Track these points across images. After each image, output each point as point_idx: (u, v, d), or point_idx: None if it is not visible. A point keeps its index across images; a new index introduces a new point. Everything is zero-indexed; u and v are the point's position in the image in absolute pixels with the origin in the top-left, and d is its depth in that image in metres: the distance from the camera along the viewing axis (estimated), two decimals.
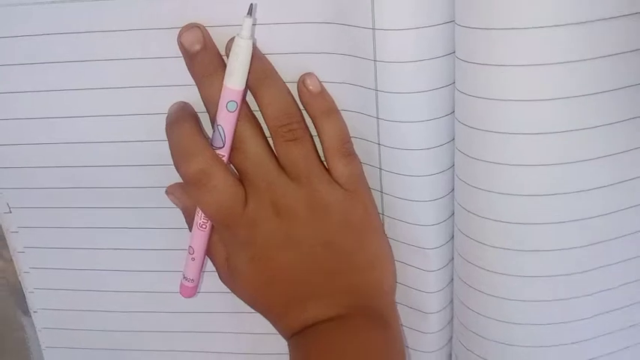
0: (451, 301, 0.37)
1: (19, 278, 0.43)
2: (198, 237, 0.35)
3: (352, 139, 0.34)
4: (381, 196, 0.35)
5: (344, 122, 0.34)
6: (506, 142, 0.29)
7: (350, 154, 0.34)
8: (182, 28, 0.32)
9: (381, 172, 0.34)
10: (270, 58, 0.33)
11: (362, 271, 0.35)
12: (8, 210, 0.40)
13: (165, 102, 0.35)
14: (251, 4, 0.30)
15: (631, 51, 0.27)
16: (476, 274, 0.33)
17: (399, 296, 0.38)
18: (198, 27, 0.32)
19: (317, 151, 0.34)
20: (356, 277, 0.35)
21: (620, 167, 0.30)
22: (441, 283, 0.36)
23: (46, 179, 0.38)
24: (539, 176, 0.29)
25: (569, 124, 0.28)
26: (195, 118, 0.34)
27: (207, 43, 0.32)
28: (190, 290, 0.37)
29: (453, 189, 0.34)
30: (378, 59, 0.30)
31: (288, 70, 0.33)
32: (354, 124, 0.34)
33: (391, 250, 0.36)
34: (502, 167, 0.30)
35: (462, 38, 0.29)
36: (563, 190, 0.30)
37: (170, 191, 0.36)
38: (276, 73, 0.33)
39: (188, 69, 0.33)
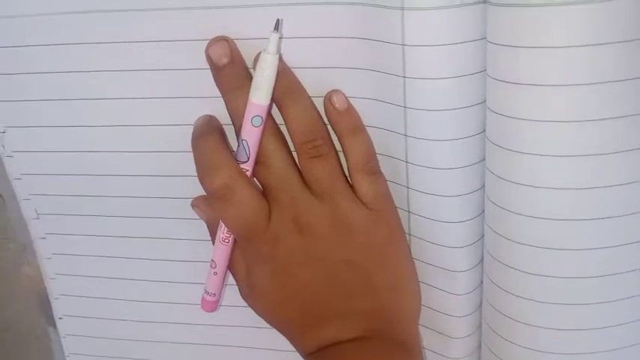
0: (479, 327, 0.36)
1: (45, 284, 0.43)
2: (221, 251, 0.35)
3: (379, 156, 0.33)
4: (408, 215, 0.34)
5: (370, 140, 0.33)
6: (537, 163, 0.28)
7: (375, 173, 0.33)
8: (210, 40, 0.32)
9: (408, 191, 0.33)
10: (297, 72, 0.32)
11: (383, 294, 0.34)
12: (36, 216, 0.41)
13: (192, 113, 0.35)
14: (277, 19, 0.30)
15: None
16: (505, 299, 0.32)
17: (424, 319, 0.37)
18: (226, 40, 0.32)
19: (342, 169, 0.33)
20: (377, 300, 0.34)
21: None
22: (468, 308, 0.35)
23: (74, 187, 0.39)
24: (570, 200, 0.28)
25: (601, 146, 0.27)
26: (220, 131, 0.34)
27: (235, 56, 0.32)
28: (212, 305, 0.37)
29: (483, 211, 0.33)
30: (407, 75, 0.30)
31: (315, 85, 0.33)
32: (382, 142, 0.33)
33: (416, 275, 0.35)
34: (532, 190, 0.29)
35: (492, 56, 0.28)
36: (595, 216, 0.29)
37: (195, 204, 0.36)
38: (303, 88, 0.32)
39: (215, 82, 0.33)
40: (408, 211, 0.34)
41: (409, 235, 0.35)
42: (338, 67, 0.32)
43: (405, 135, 0.31)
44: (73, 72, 0.35)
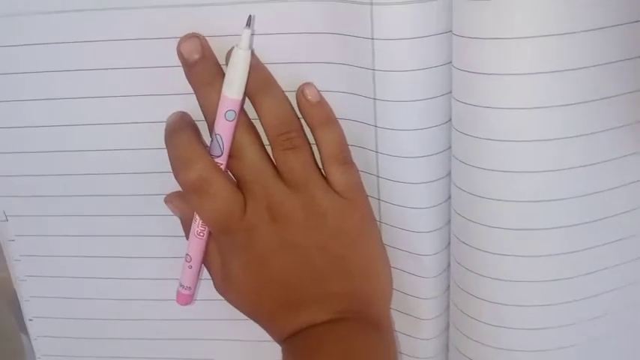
0: (447, 308, 0.38)
1: (15, 286, 0.42)
2: (196, 245, 0.35)
3: (351, 147, 0.34)
4: (379, 203, 0.35)
5: (342, 131, 0.34)
6: (503, 149, 0.29)
7: (347, 163, 0.34)
8: (181, 37, 0.32)
9: (378, 180, 0.34)
10: (269, 67, 0.33)
11: (356, 278, 0.35)
12: (5, 218, 0.40)
13: (164, 110, 0.35)
14: (250, 15, 0.31)
15: (621, 60, 0.28)
16: (473, 281, 0.34)
17: (395, 303, 0.38)
18: (197, 37, 0.32)
19: (315, 160, 0.34)
20: (350, 283, 0.35)
21: (620, 171, 0.30)
22: (436, 290, 0.37)
23: (42, 187, 0.38)
24: (535, 183, 0.30)
25: (564, 130, 0.29)
26: (193, 127, 0.34)
27: (206, 52, 0.32)
28: (187, 298, 0.37)
29: (450, 197, 0.34)
30: (376, 68, 0.31)
31: (288, 80, 0.33)
32: (353, 133, 0.34)
33: (388, 260, 0.36)
34: (498, 174, 0.30)
35: (458, 47, 0.30)
36: (560, 196, 0.30)
37: (168, 199, 0.37)
38: (275, 82, 0.33)
39: (187, 78, 0.33)
40: (379, 199, 0.35)
41: (380, 222, 0.36)
42: (309, 62, 0.33)
43: (375, 126, 0.33)
44: (46, 72, 0.35)
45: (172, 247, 0.38)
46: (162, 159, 0.34)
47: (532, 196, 0.30)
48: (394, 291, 0.37)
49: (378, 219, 0.36)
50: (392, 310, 0.38)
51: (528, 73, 0.27)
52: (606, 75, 0.28)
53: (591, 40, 0.27)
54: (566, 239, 0.31)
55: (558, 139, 0.29)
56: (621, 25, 0.27)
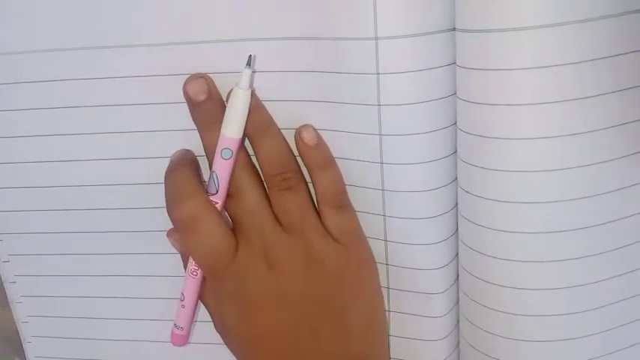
0: (457, 346, 0.37)
1: (17, 327, 0.42)
2: (190, 284, 0.34)
3: (353, 187, 0.34)
4: (385, 244, 0.34)
5: (340, 174, 0.33)
6: (509, 180, 0.29)
7: (343, 206, 0.33)
8: (188, 77, 0.32)
9: (385, 219, 0.33)
10: (269, 104, 0.33)
11: (356, 337, 0.34)
12: (7, 259, 0.40)
13: (166, 146, 0.35)
14: (250, 55, 0.30)
15: (629, 88, 0.28)
16: (483, 314, 0.33)
17: (404, 351, 0.37)
18: (204, 77, 0.32)
19: (312, 201, 0.33)
20: (349, 343, 0.33)
21: (630, 201, 0.30)
22: (446, 330, 0.36)
23: (42, 224, 0.38)
24: (543, 214, 0.29)
25: (571, 160, 0.28)
26: (194, 164, 0.34)
27: (212, 93, 0.32)
28: (181, 339, 0.36)
29: (457, 230, 0.34)
30: (382, 103, 0.30)
31: (288, 117, 0.33)
32: (356, 172, 0.33)
33: (385, 313, 0.36)
34: (505, 205, 0.30)
35: (462, 79, 0.29)
36: (569, 227, 0.30)
37: (170, 234, 0.36)
38: (274, 123, 0.33)
39: (192, 117, 0.33)
40: (385, 240, 0.34)
41: (387, 264, 0.35)
42: (311, 100, 0.32)
43: (381, 162, 0.32)
44: (46, 108, 0.35)
45: (175, 287, 0.37)
46: (162, 195, 0.33)
47: (540, 227, 0.30)
48: (403, 338, 0.36)
49: (384, 261, 0.35)
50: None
51: (532, 104, 0.27)
52: (613, 103, 0.28)
53: (597, 70, 0.27)
54: (577, 271, 0.30)
55: (565, 169, 0.28)
56: (629, 53, 0.27)
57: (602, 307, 0.31)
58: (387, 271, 0.35)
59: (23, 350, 0.43)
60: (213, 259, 0.32)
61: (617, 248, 0.31)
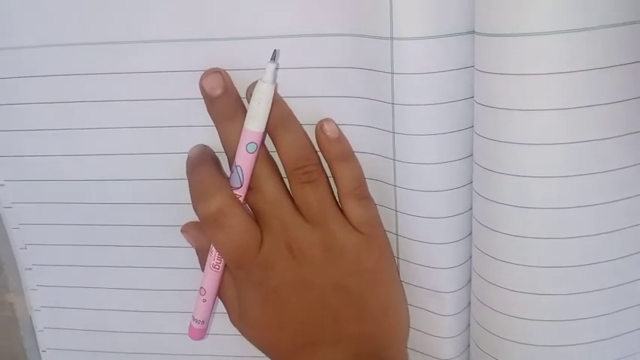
0: (467, 347, 0.37)
1: (30, 316, 0.42)
2: (211, 278, 0.35)
3: (368, 181, 0.34)
4: (397, 238, 0.35)
5: (360, 166, 0.34)
6: (525, 185, 0.29)
7: (365, 197, 0.34)
8: (204, 72, 0.33)
9: (397, 215, 0.34)
10: (290, 100, 0.33)
11: (373, 319, 0.34)
12: (24, 246, 0.40)
13: (184, 142, 0.35)
14: (275, 49, 0.31)
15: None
16: (495, 319, 0.33)
17: (412, 342, 0.37)
18: (220, 72, 0.32)
19: (333, 194, 0.34)
20: (367, 325, 0.34)
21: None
22: (457, 329, 0.36)
23: (61, 216, 0.39)
24: (557, 219, 0.29)
25: (586, 167, 0.28)
26: (215, 160, 0.34)
27: (229, 87, 0.32)
28: (200, 332, 0.37)
29: (471, 232, 0.34)
30: (395, 102, 0.31)
31: (308, 113, 0.33)
32: (371, 167, 0.34)
33: (405, 299, 0.36)
34: (519, 210, 0.30)
35: (480, 83, 0.29)
36: (582, 233, 0.29)
37: (185, 229, 0.36)
38: (295, 117, 0.33)
39: (208, 112, 0.33)
40: (397, 234, 0.35)
41: (397, 258, 0.35)
42: (329, 96, 0.33)
43: (394, 159, 0.32)
44: (69, 102, 0.35)
45: (189, 280, 0.38)
46: (179, 189, 0.34)
47: (554, 233, 0.30)
48: (412, 330, 0.37)
49: (395, 255, 0.35)
50: (410, 350, 0.37)
51: (552, 109, 0.27)
52: (630, 110, 0.28)
53: (619, 76, 0.27)
54: (590, 277, 0.30)
55: (581, 175, 0.28)
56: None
57: (617, 311, 0.31)
58: (398, 263, 0.36)
59: (36, 339, 0.43)
60: (242, 252, 0.33)
61: (633, 254, 0.31)
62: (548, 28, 0.26)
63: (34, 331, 0.43)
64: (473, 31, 0.29)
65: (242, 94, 0.33)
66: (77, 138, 0.36)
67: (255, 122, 0.31)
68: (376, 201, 0.35)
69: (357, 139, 0.34)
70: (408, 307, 0.36)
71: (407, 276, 0.36)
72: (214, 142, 0.34)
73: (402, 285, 0.36)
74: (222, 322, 0.37)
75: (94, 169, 0.37)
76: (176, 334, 0.40)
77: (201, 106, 0.33)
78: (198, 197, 0.33)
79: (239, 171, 0.32)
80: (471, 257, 0.34)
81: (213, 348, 0.41)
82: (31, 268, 0.41)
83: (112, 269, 0.40)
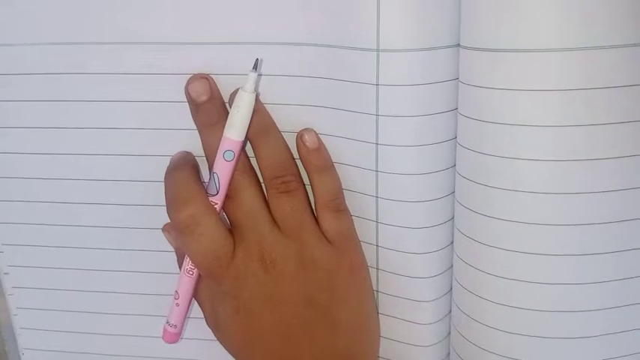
0: (447, 355, 0.37)
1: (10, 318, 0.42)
2: (185, 283, 0.35)
3: (349, 192, 0.34)
4: (377, 249, 0.35)
5: (338, 178, 0.34)
6: (508, 197, 0.29)
7: (340, 210, 0.34)
8: (190, 77, 0.32)
9: (377, 226, 0.34)
10: (271, 108, 0.33)
11: (345, 334, 0.34)
12: (1, 249, 0.40)
13: (167, 145, 0.35)
14: (257, 59, 0.31)
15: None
16: (476, 330, 0.33)
17: (394, 352, 0.37)
18: (206, 78, 0.32)
19: (310, 206, 0.34)
20: (338, 340, 0.34)
21: (629, 201, 0.30)
22: (435, 337, 0.36)
23: (38, 215, 0.38)
24: (543, 234, 0.29)
25: (567, 185, 0.28)
26: (194, 166, 0.34)
27: (215, 94, 0.32)
28: (173, 336, 0.36)
29: (452, 242, 0.34)
30: (380, 114, 0.31)
31: (288, 121, 0.33)
32: (351, 178, 0.34)
33: (376, 314, 0.36)
34: (502, 222, 0.30)
35: (465, 95, 0.29)
36: (567, 251, 0.29)
37: (166, 229, 0.36)
38: (275, 126, 0.33)
39: (192, 117, 0.33)
40: (377, 245, 0.34)
41: (377, 269, 0.35)
42: (312, 105, 0.33)
43: (377, 170, 0.32)
44: (51, 101, 0.35)
45: (167, 283, 0.38)
46: (159, 192, 0.34)
47: (540, 249, 0.30)
48: (393, 341, 0.37)
49: (375, 266, 0.35)
50: None
51: (537, 125, 0.27)
52: (619, 132, 0.28)
53: (599, 97, 0.27)
54: (573, 294, 0.30)
55: (570, 193, 0.28)
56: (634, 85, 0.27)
57: (601, 335, 0.31)
58: (377, 275, 0.35)
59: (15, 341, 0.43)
60: (212, 261, 0.32)
61: (625, 278, 0.30)
62: (537, 46, 0.26)
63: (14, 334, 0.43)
64: (458, 45, 0.29)
65: (226, 99, 0.33)
66: (57, 137, 0.36)
67: (233, 130, 0.31)
68: (357, 213, 0.34)
69: (338, 150, 0.33)
70: (379, 322, 0.36)
71: (387, 286, 0.35)
72: (196, 146, 0.34)
73: (374, 300, 0.36)
74: (199, 326, 0.37)
75: (74, 169, 0.37)
76: (152, 337, 0.40)
77: (184, 109, 0.33)
78: (172, 203, 0.32)
79: (215, 178, 0.32)
80: (451, 266, 0.34)
81: (188, 352, 0.40)
82: (7, 273, 0.40)
83: (88, 272, 0.39)
